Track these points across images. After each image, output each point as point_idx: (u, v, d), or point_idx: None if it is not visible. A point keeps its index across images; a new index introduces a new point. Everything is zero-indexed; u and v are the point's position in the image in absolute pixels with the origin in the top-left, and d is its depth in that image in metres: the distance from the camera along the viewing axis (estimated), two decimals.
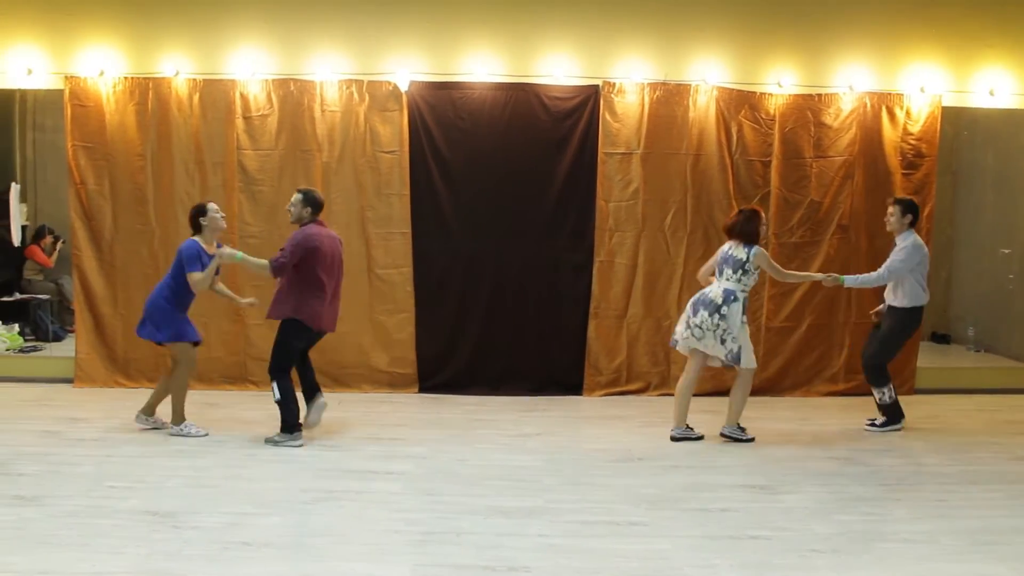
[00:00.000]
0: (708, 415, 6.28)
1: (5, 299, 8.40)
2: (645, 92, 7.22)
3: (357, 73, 7.15)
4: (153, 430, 6.00)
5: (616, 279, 7.33)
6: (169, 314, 5.77)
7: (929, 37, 7.44)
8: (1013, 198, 8.50)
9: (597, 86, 7.22)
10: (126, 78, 7.10)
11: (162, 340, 5.82)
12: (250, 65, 7.10)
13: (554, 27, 7.22)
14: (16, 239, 8.18)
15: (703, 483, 5.17)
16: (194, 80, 7.11)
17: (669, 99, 7.24)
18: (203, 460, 5.40)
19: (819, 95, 7.35)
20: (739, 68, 7.32)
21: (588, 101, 7.23)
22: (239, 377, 7.25)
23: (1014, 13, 7.52)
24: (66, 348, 7.75)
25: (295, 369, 5.84)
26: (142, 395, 6.26)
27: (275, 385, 5.66)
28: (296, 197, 5.78)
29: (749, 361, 5.89)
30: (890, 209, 6.35)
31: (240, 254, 5.74)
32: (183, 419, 5.92)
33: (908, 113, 7.41)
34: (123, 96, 7.11)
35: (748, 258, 5.85)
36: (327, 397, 6.00)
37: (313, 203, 5.75)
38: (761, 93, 7.32)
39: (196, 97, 7.11)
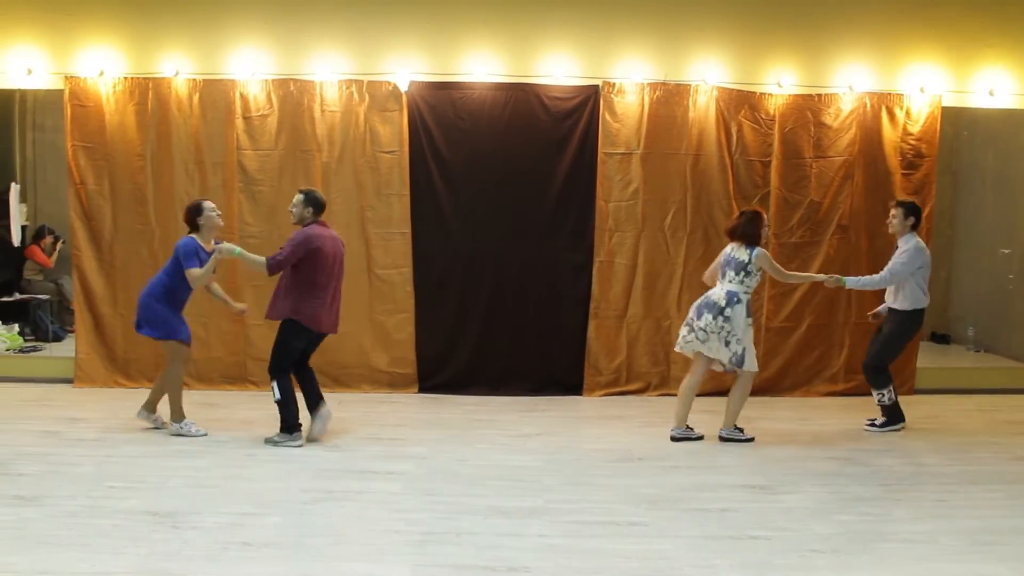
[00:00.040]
0: (708, 415, 6.28)
1: (5, 299, 8.40)
2: (645, 92, 7.22)
3: (357, 73, 7.15)
4: (154, 429, 6.00)
5: (616, 279, 7.33)
6: (162, 311, 5.76)
7: (929, 37, 7.44)
8: (1013, 198, 8.50)
9: (597, 86, 7.22)
10: (126, 78, 7.10)
11: (155, 337, 5.82)
12: (250, 65, 7.10)
13: (554, 27, 7.22)
14: (16, 239, 8.18)
15: (703, 483, 5.17)
16: (194, 80, 7.11)
17: (669, 99, 7.24)
18: (203, 460, 5.40)
19: (819, 95, 7.35)
20: (739, 68, 7.32)
21: (588, 101, 7.23)
22: (239, 377, 7.25)
23: (1014, 13, 7.52)
24: (66, 348, 7.75)
25: (296, 381, 5.80)
26: (142, 395, 6.26)
27: (275, 385, 5.66)
28: (298, 198, 5.77)
29: (752, 364, 5.90)
30: (892, 211, 6.34)
31: (238, 249, 5.72)
32: (182, 417, 5.92)
33: (908, 113, 7.41)
34: (123, 96, 7.11)
35: (750, 259, 5.86)
36: (326, 397, 5.99)
37: (315, 203, 5.74)
38: (761, 93, 7.32)
39: (196, 97, 7.11)
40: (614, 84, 7.22)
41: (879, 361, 6.36)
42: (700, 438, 6.04)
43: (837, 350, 7.50)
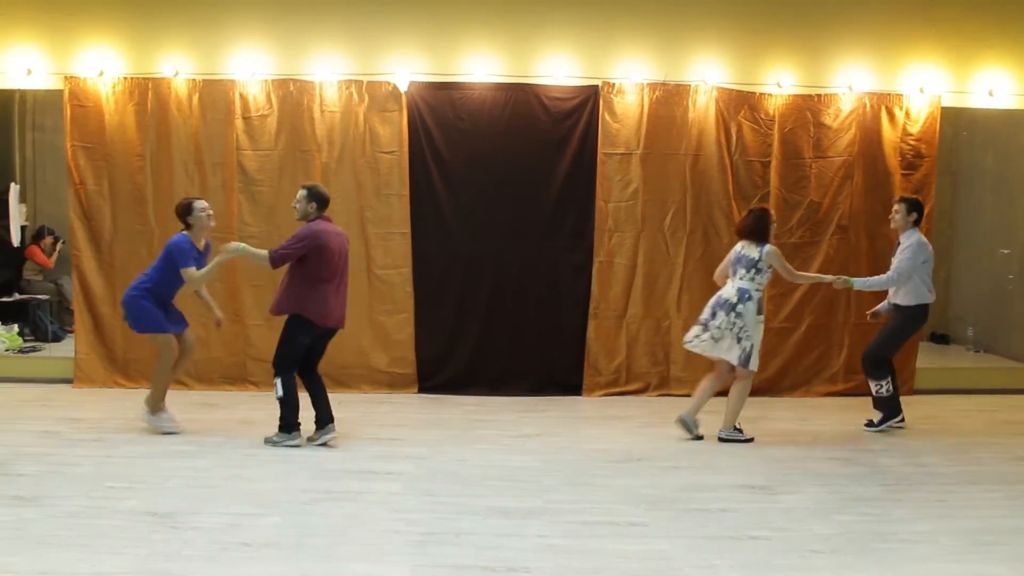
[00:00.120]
0: (708, 415, 6.26)
1: (5, 299, 8.40)
2: (644, 92, 7.22)
3: (357, 73, 7.15)
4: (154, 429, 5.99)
5: (615, 279, 7.33)
6: (145, 307, 5.72)
7: (929, 37, 7.44)
8: (1012, 198, 8.50)
9: (597, 86, 7.22)
10: (125, 78, 7.10)
11: (142, 331, 5.80)
12: (250, 65, 7.10)
13: (554, 27, 7.22)
14: (16, 239, 8.18)
15: (703, 483, 5.17)
16: (194, 80, 7.10)
17: (668, 99, 7.24)
18: (203, 460, 5.40)
19: (818, 95, 7.35)
20: (738, 68, 7.32)
21: (588, 101, 7.23)
22: (239, 377, 7.25)
23: (1014, 13, 7.52)
24: (65, 348, 7.74)
25: (307, 389, 5.75)
26: (142, 395, 6.23)
27: (278, 382, 5.61)
28: (301, 193, 5.73)
29: (754, 363, 5.91)
30: (896, 207, 6.34)
31: (242, 246, 5.70)
32: (160, 410, 5.89)
33: (908, 113, 7.41)
34: (123, 96, 7.11)
35: (761, 257, 5.87)
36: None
37: (318, 198, 5.71)
38: (761, 93, 7.32)
39: (196, 97, 7.10)
40: (614, 84, 7.21)
41: (879, 354, 6.34)
42: (700, 438, 6.05)
43: (837, 350, 7.51)
